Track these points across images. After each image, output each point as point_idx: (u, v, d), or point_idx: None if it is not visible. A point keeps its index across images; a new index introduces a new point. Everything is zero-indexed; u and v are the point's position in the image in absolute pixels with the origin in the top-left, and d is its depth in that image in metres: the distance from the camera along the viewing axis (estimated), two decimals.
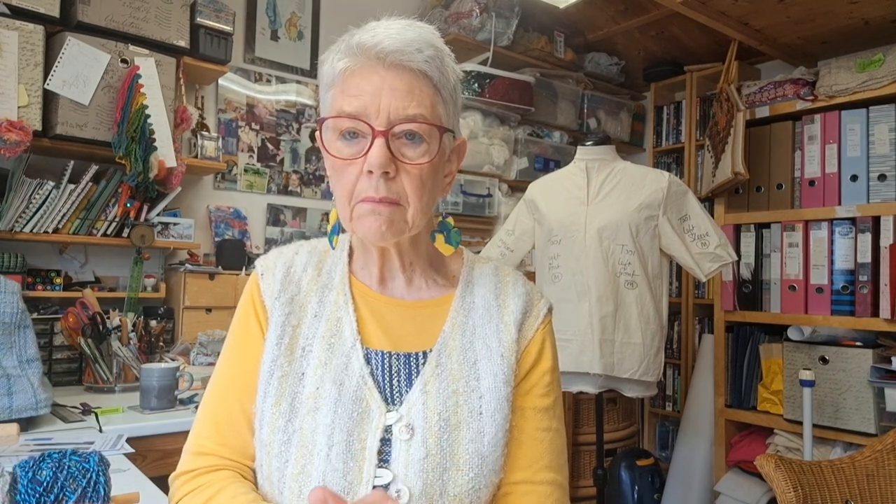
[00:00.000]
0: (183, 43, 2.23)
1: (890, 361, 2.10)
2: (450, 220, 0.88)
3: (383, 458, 0.75)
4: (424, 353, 0.82)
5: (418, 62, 0.75)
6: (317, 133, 0.81)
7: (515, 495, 0.81)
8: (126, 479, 1.23)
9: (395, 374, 0.80)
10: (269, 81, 2.72)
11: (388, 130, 0.74)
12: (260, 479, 0.80)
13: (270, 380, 0.79)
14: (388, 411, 0.77)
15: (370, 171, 0.74)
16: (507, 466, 0.80)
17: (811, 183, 2.41)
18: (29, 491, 0.76)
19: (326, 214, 2.83)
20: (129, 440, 1.48)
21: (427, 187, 0.78)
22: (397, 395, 0.79)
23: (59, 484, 0.77)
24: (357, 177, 0.76)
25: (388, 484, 0.74)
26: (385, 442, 0.76)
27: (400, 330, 0.84)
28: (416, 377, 0.80)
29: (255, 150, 2.68)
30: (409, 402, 0.78)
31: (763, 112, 2.54)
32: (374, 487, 0.74)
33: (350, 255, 0.89)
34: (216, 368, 0.86)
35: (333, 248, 0.89)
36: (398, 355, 0.81)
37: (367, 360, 0.80)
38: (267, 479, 0.77)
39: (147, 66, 2.12)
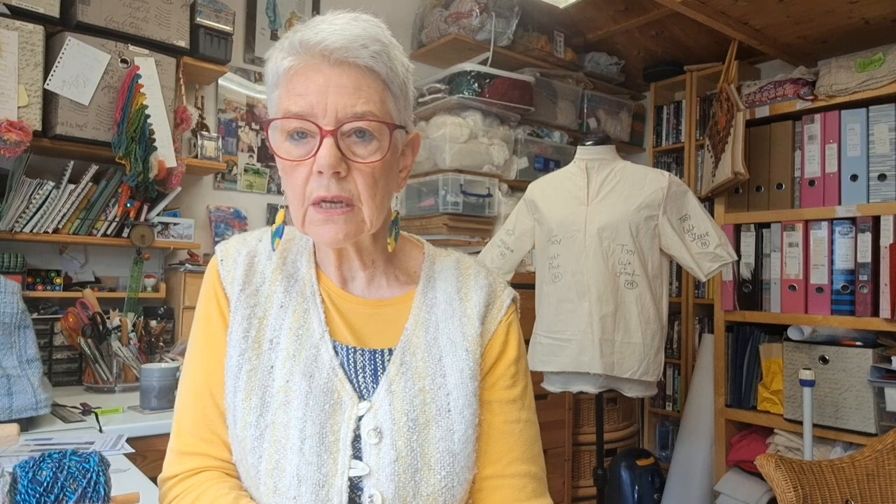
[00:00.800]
0: (183, 43, 2.23)
1: (890, 361, 2.10)
2: (396, 213, 0.86)
3: (356, 454, 0.74)
4: (390, 350, 0.80)
5: (364, 58, 0.73)
6: (265, 135, 0.80)
7: (488, 490, 0.80)
8: (126, 479, 1.23)
9: (360, 369, 0.79)
10: None
11: (337, 129, 0.72)
12: (241, 473, 0.79)
13: (239, 374, 0.78)
14: (360, 402, 0.77)
15: (320, 172, 0.73)
16: (478, 462, 0.79)
17: (811, 183, 2.41)
18: (29, 491, 0.76)
19: None
20: (129, 440, 1.48)
21: (380, 185, 0.76)
22: (365, 391, 0.78)
23: (59, 484, 0.77)
24: (307, 177, 0.74)
25: (362, 477, 0.73)
26: (358, 438, 0.75)
27: (364, 328, 0.82)
28: (382, 375, 0.79)
29: (255, 149, 2.68)
30: (376, 404, 0.77)
31: (763, 112, 2.54)
32: (350, 479, 0.73)
33: (315, 245, 0.87)
34: (185, 362, 0.84)
35: (274, 250, 0.85)
36: (363, 351, 0.80)
37: (336, 353, 0.79)
38: (246, 473, 0.77)
39: (147, 66, 2.12)
